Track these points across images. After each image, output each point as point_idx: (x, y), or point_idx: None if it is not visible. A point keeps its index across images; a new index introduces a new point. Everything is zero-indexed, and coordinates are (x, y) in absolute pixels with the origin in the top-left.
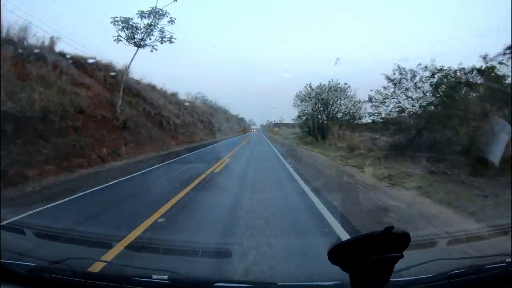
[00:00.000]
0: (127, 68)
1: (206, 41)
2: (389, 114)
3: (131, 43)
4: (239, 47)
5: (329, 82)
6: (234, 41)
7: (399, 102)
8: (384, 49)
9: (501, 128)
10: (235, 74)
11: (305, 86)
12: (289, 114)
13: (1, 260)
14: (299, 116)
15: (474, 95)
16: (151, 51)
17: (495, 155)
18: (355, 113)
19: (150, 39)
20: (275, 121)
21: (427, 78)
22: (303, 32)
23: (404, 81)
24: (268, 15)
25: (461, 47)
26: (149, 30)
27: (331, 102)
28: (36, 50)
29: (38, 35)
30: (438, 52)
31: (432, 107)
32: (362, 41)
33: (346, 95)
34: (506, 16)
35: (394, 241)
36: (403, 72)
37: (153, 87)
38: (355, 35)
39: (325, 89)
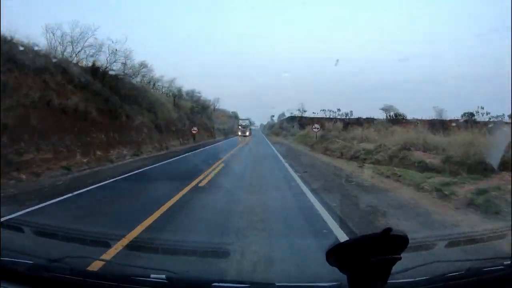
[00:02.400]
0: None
1: (204, 38)
2: None
3: None
4: (238, 45)
5: None
6: (233, 40)
7: None
8: (383, 48)
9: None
10: (234, 72)
11: None
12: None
13: (0, 258)
14: None
15: None
16: None
17: (495, 157)
18: None
19: None
20: (291, 114)
21: None
22: (302, 31)
23: None
24: (268, 14)
25: (461, 46)
26: None
27: None
28: None
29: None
30: (437, 51)
31: None
32: (361, 41)
33: None
34: (506, 16)
35: (392, 242)
36: None
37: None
38: (354, 35)
39: None
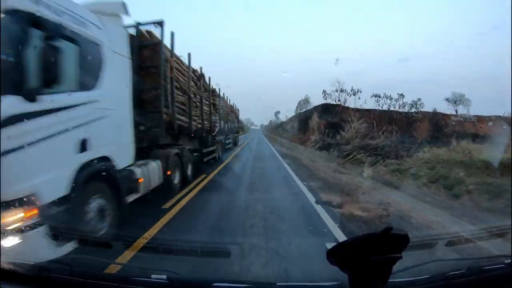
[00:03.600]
0: None
1: (203, 37)
2: None
3: None
4: (238, 45)
5: None
6: (233, 41)
7: None
8: (383, 48)
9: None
10: (234, 72)
11: None
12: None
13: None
14: None
15: None
16: None
17: (495, 157)
18: None
19: None
20: (325, 99)
21: None
22: (303, 31)
23: None
24: (268, 15)
25: (460, 44)
26: None
27: None
28: None
29: None
30: (437, 50)
31: None
32: (361, 40)
33: None
34: (506, 16)
35: (393, 241)
36: None
37: None
38: (354, 35)
39: None
